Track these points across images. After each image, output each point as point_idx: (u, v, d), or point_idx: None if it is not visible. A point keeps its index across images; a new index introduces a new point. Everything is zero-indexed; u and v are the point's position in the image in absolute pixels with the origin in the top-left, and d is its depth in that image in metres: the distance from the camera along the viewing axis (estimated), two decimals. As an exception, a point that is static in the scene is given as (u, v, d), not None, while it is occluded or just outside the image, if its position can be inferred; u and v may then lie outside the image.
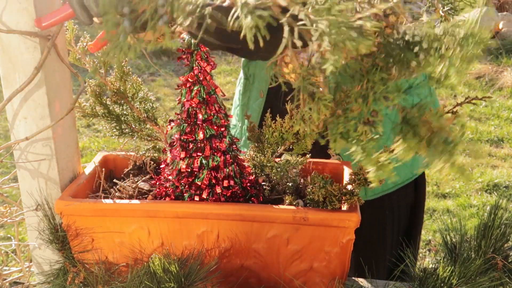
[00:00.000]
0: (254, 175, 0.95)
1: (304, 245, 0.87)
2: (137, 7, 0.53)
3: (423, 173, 1.40)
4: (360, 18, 0.49)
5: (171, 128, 0.88)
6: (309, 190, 0.86)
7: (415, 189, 1.39)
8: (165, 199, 0.90)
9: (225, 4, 0.56)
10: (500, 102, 4.48)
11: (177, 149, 0.88)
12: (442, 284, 0.81)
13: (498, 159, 3.72)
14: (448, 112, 0.79)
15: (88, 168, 0.99)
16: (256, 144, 0.95)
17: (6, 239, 2.61)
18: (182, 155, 0.87)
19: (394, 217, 1.36)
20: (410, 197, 1.39)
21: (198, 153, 0.86)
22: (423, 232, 1.76)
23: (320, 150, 1.19)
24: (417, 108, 0.61)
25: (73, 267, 0.88)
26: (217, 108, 0.86)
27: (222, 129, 0.87)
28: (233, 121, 1.46)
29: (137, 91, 1.01)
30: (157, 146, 1.03)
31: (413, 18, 0.68)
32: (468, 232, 0.89)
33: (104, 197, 0.95)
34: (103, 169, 1.00)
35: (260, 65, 1.30)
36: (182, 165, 0.87)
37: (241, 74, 1.40)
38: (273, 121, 0.93)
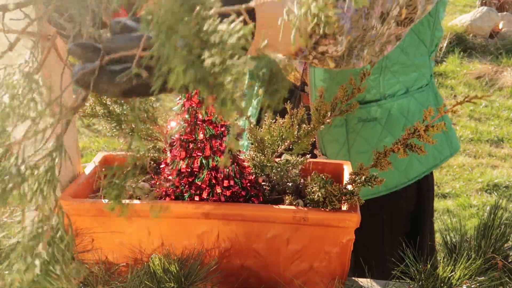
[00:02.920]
0: (254, 175, 0.95)
1: (304, 245, 0.87)
2: None
3: (427, 178, 1.35)
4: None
5: (172, 128, 0.88)
6: (309, 190, 0.86)
7: (418, 193, 1.37)
8: (165, 199, 0.90)
9: None
10: (500, 102, 4.48)
11: (177, 149, 0.88)
12: (442, 284, 0.81)
13: (498, 159, 3.72)
14: (447, 112, 0.79)
15: (88, 168, 0.99)
16: (256, 144, 0.95)
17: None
18: (182, 155, 0.87)
19: (392, 220, 1.34)
20: (411, 201, 1.36)
21: (198, 153, 0.86)
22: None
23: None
24: None
25: (73, 267, 0.88)
26: (217, 108, 0.86)
27: (222, 129, 0.87)
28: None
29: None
30: (157, 146, 1.03)
31: None
32: (468, 232, 0.89)
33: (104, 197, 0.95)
34: (103, 169, 0.99)
35: None
36: (182, 165, 0.87)
37: None
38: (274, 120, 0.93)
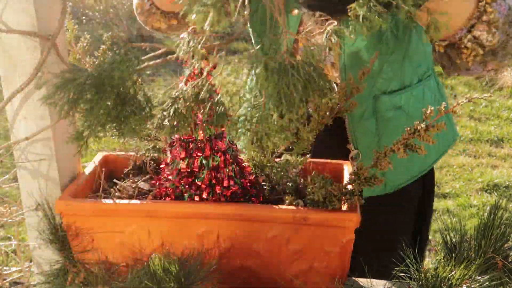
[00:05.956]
0: (254, 175, 0.95)
1: (304, 245, 0.87)
2: None
3: (430, 172, 1.37)
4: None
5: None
6: (309, 190, 0.86)
7: (423, 188, 1.37)
8: (165, 199, 0.90)
9: None
10: (500, 102, 4.48)
11: (177, 149, 0.88)
12: (442, 284, 0.81)
13: (498, 159, 3.72)
14: (448, 112, 0.79)
15: (88, 168, 0.99)
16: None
17: (6, 239, 2.61)
18: (182, 155, 0.87)
19: (398, 220, 1.34)
20: (416, 196, 1.36)
21: (198, 153, 0.86)
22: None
23: (337, 146, 1.18)
24: None
25: (73, 267, 0.88)
26: (217, 108, 0.86)
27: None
28: None
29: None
30: (157, 146, 1.03)
31: None
32: (468, 232, 0.89)
33: (104, 197, 0.95)
34: (103, 169, 1.00)
35: None
36: (182, 165, 0.87)
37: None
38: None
